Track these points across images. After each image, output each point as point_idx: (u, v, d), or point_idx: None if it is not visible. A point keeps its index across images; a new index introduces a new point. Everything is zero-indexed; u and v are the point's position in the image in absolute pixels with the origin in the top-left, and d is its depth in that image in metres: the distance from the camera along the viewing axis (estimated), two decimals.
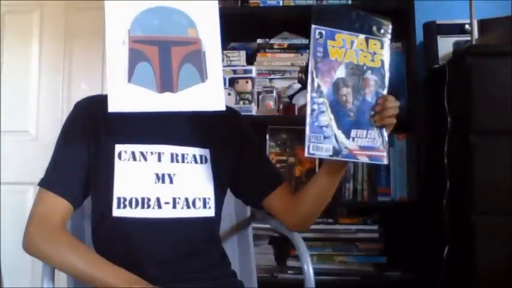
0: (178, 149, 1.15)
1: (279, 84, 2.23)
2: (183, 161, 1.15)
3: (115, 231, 1.09)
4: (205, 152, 1.18)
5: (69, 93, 2.59)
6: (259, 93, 2.15)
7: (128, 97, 0.99)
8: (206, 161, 1.18)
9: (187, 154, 1.16)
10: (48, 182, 1.10)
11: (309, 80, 1.06)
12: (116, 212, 1.08)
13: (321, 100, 1.06)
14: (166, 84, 1.00)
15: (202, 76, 1.03)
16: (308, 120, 1.05)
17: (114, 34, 1.00)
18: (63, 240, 1.07)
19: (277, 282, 2.03)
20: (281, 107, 2.15)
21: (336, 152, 1.07)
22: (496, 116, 1.74)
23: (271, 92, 2.15)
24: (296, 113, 2.11)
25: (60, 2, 2.63)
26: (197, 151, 1.17)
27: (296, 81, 2.23)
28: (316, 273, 1.27)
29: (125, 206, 1.08)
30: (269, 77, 2.24)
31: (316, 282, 1.25)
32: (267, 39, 2.25)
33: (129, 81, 0.99)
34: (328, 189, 1.20)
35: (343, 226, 2.07)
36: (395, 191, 2.08)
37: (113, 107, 0.98)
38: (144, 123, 1.14)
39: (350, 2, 2.16)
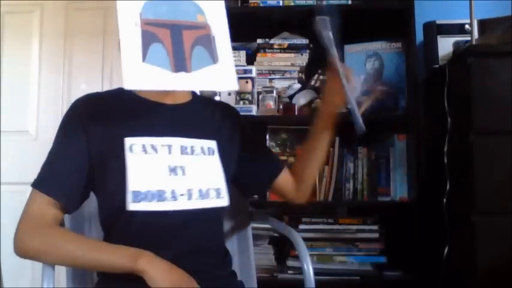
0: (187, 141, 1.16)
1: (279, 84, 2.23)
2: (192, 153, 1.15)
3: (130, 225, 1.08)
4: (212, 144, 1.20)
5: (69, 93, 2.59)
6: (259, 93, 2.15)
7: (143, 75, 1.00)
8: (213, 153, 1.19)
9: (195, 146, 1.16)
10: (42, 183, 1.08)
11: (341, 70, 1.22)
12: (131, 206, 1.05)
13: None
14: (180, 64, 1.02)
15: (214, 58, 1.06)
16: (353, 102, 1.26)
17: (126, 16, 1.01)
18: (57, 233, 1.06)
19: (277, 282, 2.03)
20: (281, 107, 2.15)
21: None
22: (496, 116, 1.74)
23: (271, 92, 2.15)
24: (296, 113, 2.11)
25: (60, 2, 2.63)
26: (204, 143, 1.18)
27: (296, 81, 2.23)
28: (316, 273, 1.27)
29: (140, 200, 1.06)
30: (269, 77, 2.24)
31: (316, 282, 1.25)
32: (267, 39, 2.26)
33: (143, 60, 1.00)
34: (325, 146, 1.35)
35: (343, 226, 2.07)
36: (395, 191, 2.08)
37: (129, 84, 0.98)
38: (151, 116, 1.15)
39: (350, 2, 2.16)
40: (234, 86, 1.08)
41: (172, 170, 1.11)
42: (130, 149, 1.09)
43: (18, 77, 2.62)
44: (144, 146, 1.10)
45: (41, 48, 2.64)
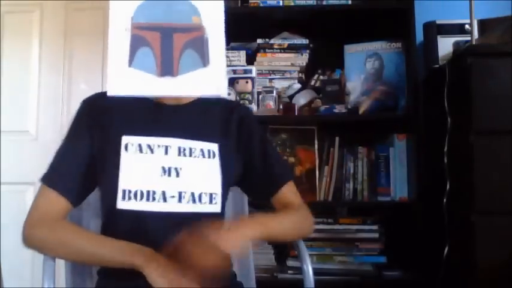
0: (186, 143, 1.14)
1: (279, 84, 2.23)
2: (190, 155, 1.13)
3: (119, 223, 1.09)
4: (214, 147, 1.17)
5: (69, 93, 2.59)
6: (259, 93, 2.15)
7: (127, 81, 1.00)
8: (214, 156, 1.16)
9: (194, 148, 1.14)
10: (49, 179, 1.11)
11: None
12: (121, 204, 1.07)
13: None
14: (167, 68, 1.02)
15: (204, 61, 1.04)
16: None
17: (117, 21, 1.02)
18: (62, 226, 1.08)
19: (277, 282, 2.03)
20: (281, 107, 2.15)
21: None
22: (496, 116, 1.74)
23: (271, 92, 2.15)
24: (296, 113, 2.11)
25: (60, 1, 2.63)
26: (205, 145, 1.16)
27: (296, 81, 2.23)
28: (316, 273, 1.27)
29: (129, 198, 1.07)
30: (269, 77, 2.24)
31: (316, 282, 1.25)
32: (267, 39, 2.25)
33: (129, 66, 1.00)
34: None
35: (343, 226, 2.07)
36: (395, 191, 2.08)
37: (112, 90, 0.99)
38: (152, 116, 1.15)
39: (350, 2, 2.16)
40: (222, 92, 1.05)
41: (166, 171, 1.10)
42: (126, 148, 1.10)
43: (18, 76, 2.62)
44: (140, 146, 1.11)
45: (40, 48, 2.64)
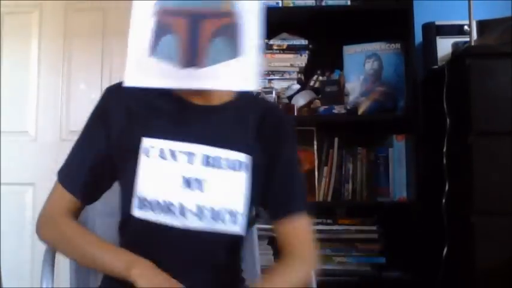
0: (213, 151, 1.01)
1: (278, 84, 2.23)
2: (216, 166, 1.01)
3: (134, 230, 1.02)
4: (243, 158, 1.03)
5: (69, 93, 2.59)
6: (258, 94, 2.15)
7: (146, 71, 0.93)
8: (242, 169, 1.03)
9: (221, 158, 1.01)
10: (61, 175, 1.07)
11: None
12: (137, 213, 0.98)
13: None
14: (191, 59, 0.92)
15: (235, 52, 0.93)
16: None
17: (141, 6, 0.94)
18: (67, 225, 1.04)
19: None
20: (280, 107, 2.15)
21: None
22: (495, 117, 1.74)
23: (271, 92, 2.15)
24: (295, 114, 2.11)
25: (59, 2, 2.63)
26: (234, 155, 1.02)
27: (295, 81, 2.23)
28: (316, 274, 1.27)
29: (145, 207, 0.98)
30: (268, 77, 2.24)
31: (315, 283, 1.25)
32: (266, 40, 2.25)
33: (151, 55, 0.93)
34: None
35: (342, 227, 2.07)
36: (394, 192, 2.09)
37: (130, 81, 0.93)
38: (178, 117, 1.04)
39: (349, 2, 2.16)
40: (252, 86, 0.94)
41: (187, 182, 0.99)
42: (146, 152, 0.99)
43: (18, 77, 2.62)
44: (162, 151, 0.99)
45: (40, 49, 2.63)
